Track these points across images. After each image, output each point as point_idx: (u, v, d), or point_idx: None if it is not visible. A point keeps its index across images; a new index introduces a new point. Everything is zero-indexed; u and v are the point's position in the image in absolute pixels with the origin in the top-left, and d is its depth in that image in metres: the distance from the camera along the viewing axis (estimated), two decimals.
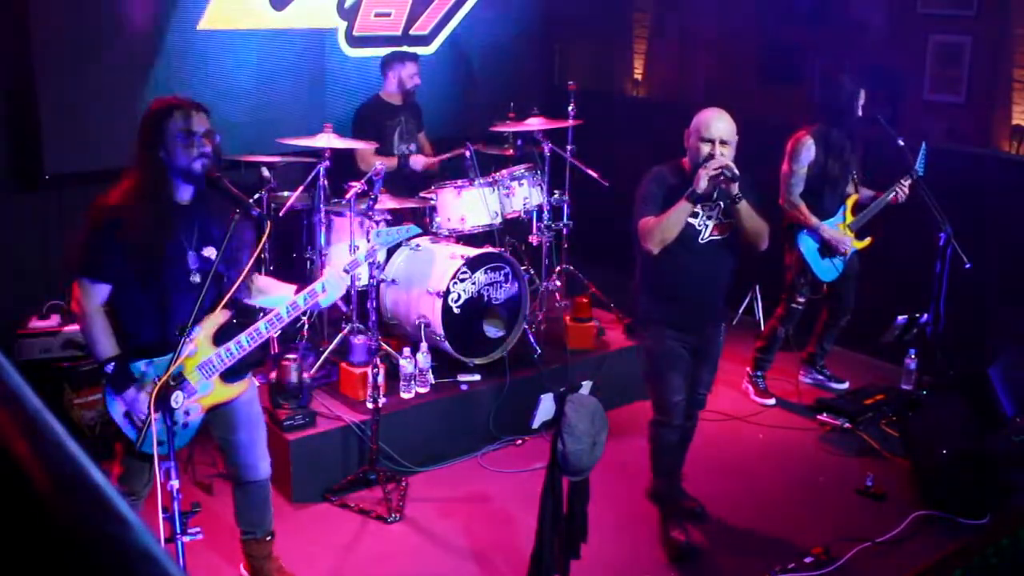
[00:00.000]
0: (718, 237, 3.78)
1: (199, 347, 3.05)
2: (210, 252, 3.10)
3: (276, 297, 3.27)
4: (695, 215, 3.71)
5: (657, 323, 3.88)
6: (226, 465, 3.47)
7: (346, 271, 3.29)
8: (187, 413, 3.09)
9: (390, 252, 5.03)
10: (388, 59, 5.82)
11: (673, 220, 3.64)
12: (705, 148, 3.67)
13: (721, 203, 3.73)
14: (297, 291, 3.23)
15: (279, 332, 3.23)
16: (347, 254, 4.78)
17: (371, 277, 4.37)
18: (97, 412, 4.39)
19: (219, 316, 3.08)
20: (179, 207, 3.08)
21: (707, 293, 3.89)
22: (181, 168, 3.02)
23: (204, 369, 3.08)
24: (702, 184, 3.57)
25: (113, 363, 3.03)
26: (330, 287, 3.22)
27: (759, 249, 3.87)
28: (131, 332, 3.07)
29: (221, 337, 3.10)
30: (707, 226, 3.76)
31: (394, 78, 5.74)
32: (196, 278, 3.07)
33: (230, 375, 3.17)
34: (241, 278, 3.08)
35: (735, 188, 3.62)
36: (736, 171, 3.60)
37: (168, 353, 3.01)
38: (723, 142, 3.67)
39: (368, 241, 4.33)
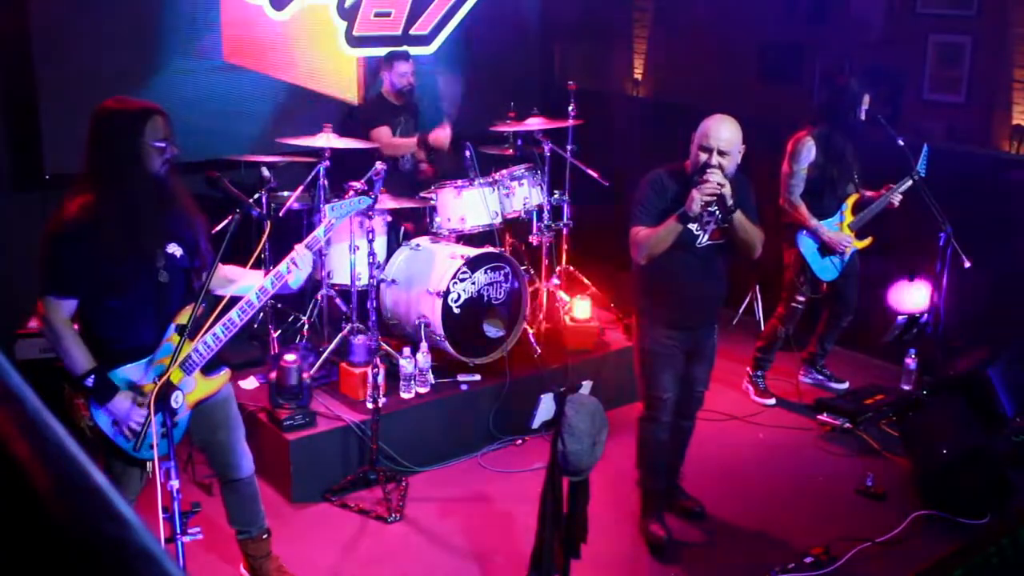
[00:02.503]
0: (715, 241, 3.76)
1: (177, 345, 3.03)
2: (173, 249, 3.07)
3: (246, 285, 3.23)
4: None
5: (653, 321, 3.87)
6: (210, 467, 3.46)
7: (308, 247, 3.23)
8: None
9: (390, 252, 5.03)
10: (381, 61, 5.86)
11: (662, 237, 3.63)
12: (702, 156, 3.62)
13: (717, 213, 3.68)
14: (265, 275, 3.21)
15: (250, 318, 3.20)
16: (347, 253, 4.78)
17: (371, 277, 4.36)
18: None
19: (192, 310, 3.03)
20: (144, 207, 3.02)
21: (704, 295, 3.87)
22: (151, 174, 2.97)
23: (185, 366, 3.06)
24: (694, 207, 3.55)
25: (93, 376, 2.96)
26: (295, 266, 3.18)
27: (751, 258, 3.87)
28: (105, 340, 3.01)
29: (196, 332, 3.07)
30: (705, 231, 3.73)
31: (387, 79, 5.76)
32: (163, 276, 3.03)
33: (209, 368, 3.16)
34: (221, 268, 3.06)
35: (729, 202, 3.58)
36: (730, 200, 3.57)
37: (147, 356, 3.00)
38: (721, 152, 3.60)
39: (363, 235, 4.32)
